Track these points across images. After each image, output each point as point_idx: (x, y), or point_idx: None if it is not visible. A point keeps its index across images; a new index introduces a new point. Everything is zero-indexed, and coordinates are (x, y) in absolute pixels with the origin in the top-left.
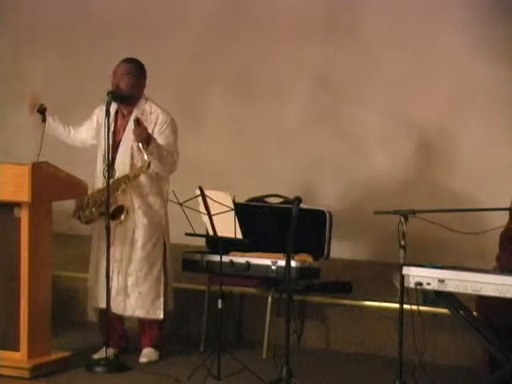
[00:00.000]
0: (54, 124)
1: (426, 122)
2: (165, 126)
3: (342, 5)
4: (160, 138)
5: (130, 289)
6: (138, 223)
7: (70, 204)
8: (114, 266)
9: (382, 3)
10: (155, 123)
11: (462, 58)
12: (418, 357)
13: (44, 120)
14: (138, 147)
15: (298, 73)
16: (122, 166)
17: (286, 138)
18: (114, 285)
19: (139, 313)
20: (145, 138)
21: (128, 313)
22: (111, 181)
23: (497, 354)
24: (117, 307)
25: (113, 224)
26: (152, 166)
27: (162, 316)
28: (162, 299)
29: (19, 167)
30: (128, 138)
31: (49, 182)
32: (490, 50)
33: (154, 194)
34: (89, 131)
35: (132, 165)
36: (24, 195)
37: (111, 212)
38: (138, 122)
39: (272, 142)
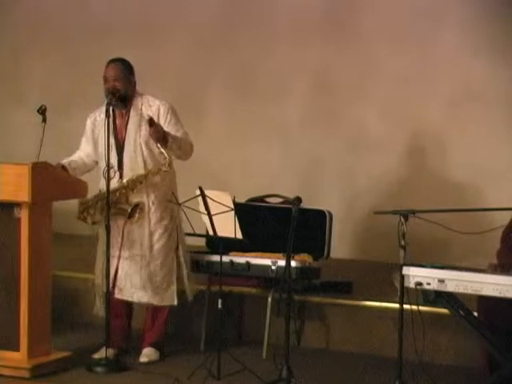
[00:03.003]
0: (74, 171)
1: (426, 122)
2: (168, 115)
3: (341, 4)
4: (170, 128)
5: (148, 280)
6: (153, 218)
7: (71, 204)
8: (134, 262)
9: (382, 3)
10: (158, 114)
11: (462, 57)
12: (418, 357)
13: (44, 120)
14: (157, 147)
15: (297, 72)
16: (131, 164)
17: (286, 137)
18: (137, 279)
19: (154, 301)
20: (162, 136)
21: (144, 300)
22: (125, 181)
23: (497, 354)
24: (134, 296)
25: (128, 222)
26: (174, 157)
27: (175, 302)
28: (174, 286)
29: (19, 167)
30: (131, 135)
31: (49, 182)
32: (490, 49)
33: (164, 187)
34: (90, 146)
35: (143, 161)
36: (24, 195)
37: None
38: (151, 121)
39: (272, 142)
